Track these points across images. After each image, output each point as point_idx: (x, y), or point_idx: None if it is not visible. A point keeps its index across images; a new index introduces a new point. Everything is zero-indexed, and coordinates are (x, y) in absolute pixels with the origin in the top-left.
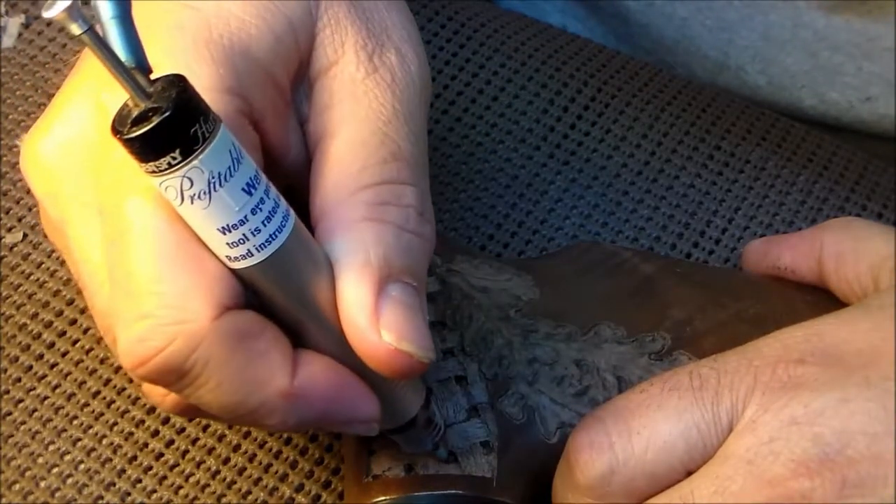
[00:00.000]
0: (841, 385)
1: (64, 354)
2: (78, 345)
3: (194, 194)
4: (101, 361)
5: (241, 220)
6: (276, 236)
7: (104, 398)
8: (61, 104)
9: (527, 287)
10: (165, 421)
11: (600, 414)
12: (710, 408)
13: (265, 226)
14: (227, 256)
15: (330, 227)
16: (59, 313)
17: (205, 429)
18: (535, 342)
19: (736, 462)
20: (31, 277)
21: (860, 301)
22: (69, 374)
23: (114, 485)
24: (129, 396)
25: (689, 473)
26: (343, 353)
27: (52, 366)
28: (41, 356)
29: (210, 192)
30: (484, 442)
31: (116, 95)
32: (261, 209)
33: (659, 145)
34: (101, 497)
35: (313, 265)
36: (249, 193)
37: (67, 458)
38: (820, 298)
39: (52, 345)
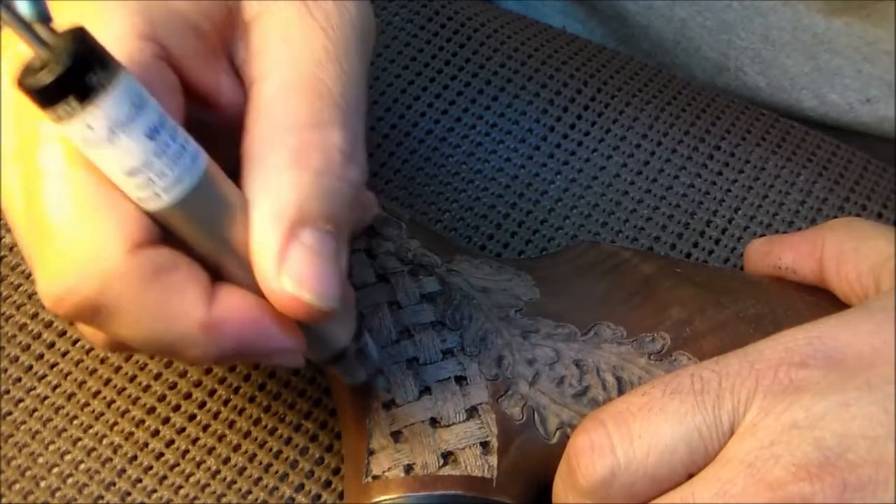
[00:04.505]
0: (842, 388)
1: (64, 354)
2: (78, 345)
3: (96, 140)
4: (102, 361)
5: (146, 164)
6: (184, 178)
7: (104, 398)
8: None
9: (527, 287)
10: (166, 421)
11: (601, 416)
12: (711, 411)
13: (171, 169)
14: (138, 199)
15: (252, 171)
16: None
17: (205, 429)
18: (535, 342)
19: (737, 465)
20: (31, 277)
21: (861, 302)
22: (69, 374)
23: (114, 484)
24: (129, 396)
25: (691, 476)
26: (260, 290)
27: (52, 366)
28: (41, 356)
29: (111, 137)
30: (484, 442)
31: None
32: (165, 153)
33: (659, 145)
34: (102, 497)
35: (228, 209)
36: (152, 138)
37: (68, 457)
38: (821, 299)
39: (52, 345)
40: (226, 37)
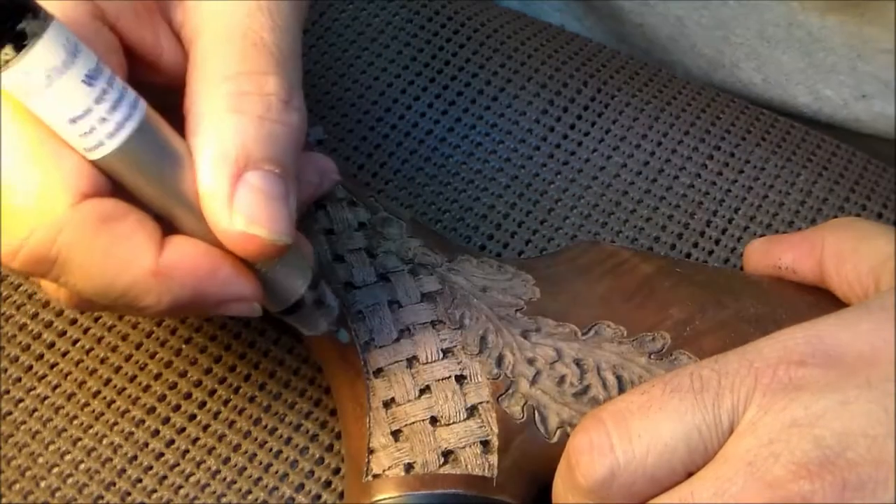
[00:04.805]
0: (842, 387)
1: (64, 354)
2: (78, 345)
3: (34, 88)
4: (102, 361)
5: (87, 111)
6: (125, 124)
7: (104, 398)
8: None
9: (527, 287)
10: (166, 421)
11: (601, 415)
12: (710, 410)
13: (111, 114)
14: (83, 148)
15: (194, 120)
16: (59, 313)
17: (205, 428)
18: (536, 341)
19: (736, 464)
20: (31, 277)
21: (861, 301)
22: (69, 374)
23: (114, 484)
24: (129, 396)
25: (690, 475)
26: (213, 238)
27: (52, 366)
28: (41, 356)
29: (49, 84)
30: (484, 441)
31: None
32: (104, 99)
33: (659, 145)
34: (102, 497)
35: (171, 155)
36: (90, 84)
37: (68, 457)
38: (821, 298)
39: (52, 345)
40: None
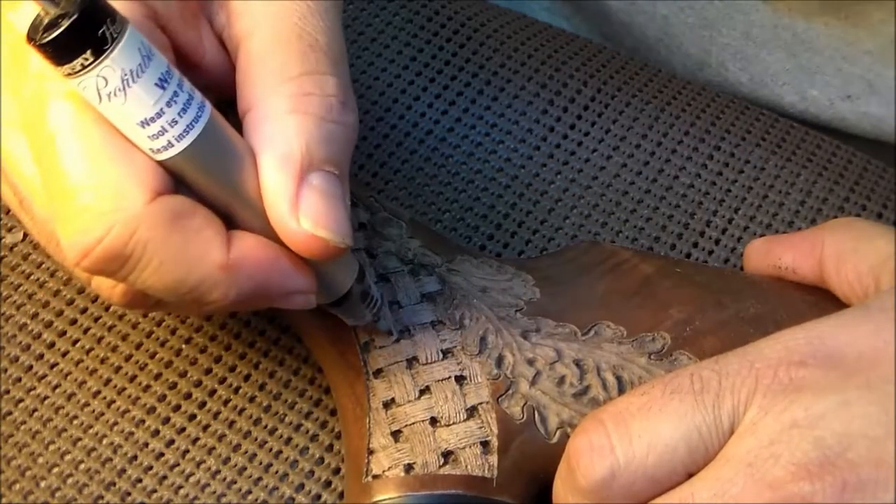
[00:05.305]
0: (842, 388)
1: (64, 354)
2: (78, 345)
3: (111, 91)
4: (102, 361)
5: (158, 113)
6: (194, 126)
7: (104, 398)
8: None
9: (527, 287)
10: (166, 421)
11: (601, 416)
12: (711, 410)
13: (181, 117)
14: (150, 149)
15: (255, 121)
16: (59, 313)
17: (205, 428)
18: (536, 342)
19: (736, 465)
20: (31, 277)
21: (861, 302)
22: (69, 374)
23: (114, 484)
24: (129, 396)
25: (691, 475)
26: (273, 234)
27: (52, 366)
28: (41, 356)
29: (125, 88)
30: (484, 441)
31: (20, 13)
32: (175, 101)
33: (659, 145)
34: (102, 497)
35: (235, 154)
36: (162, 87)
37: (68, 457)
38: (821, 298)
39: (52, 345)
40: (204, 2)
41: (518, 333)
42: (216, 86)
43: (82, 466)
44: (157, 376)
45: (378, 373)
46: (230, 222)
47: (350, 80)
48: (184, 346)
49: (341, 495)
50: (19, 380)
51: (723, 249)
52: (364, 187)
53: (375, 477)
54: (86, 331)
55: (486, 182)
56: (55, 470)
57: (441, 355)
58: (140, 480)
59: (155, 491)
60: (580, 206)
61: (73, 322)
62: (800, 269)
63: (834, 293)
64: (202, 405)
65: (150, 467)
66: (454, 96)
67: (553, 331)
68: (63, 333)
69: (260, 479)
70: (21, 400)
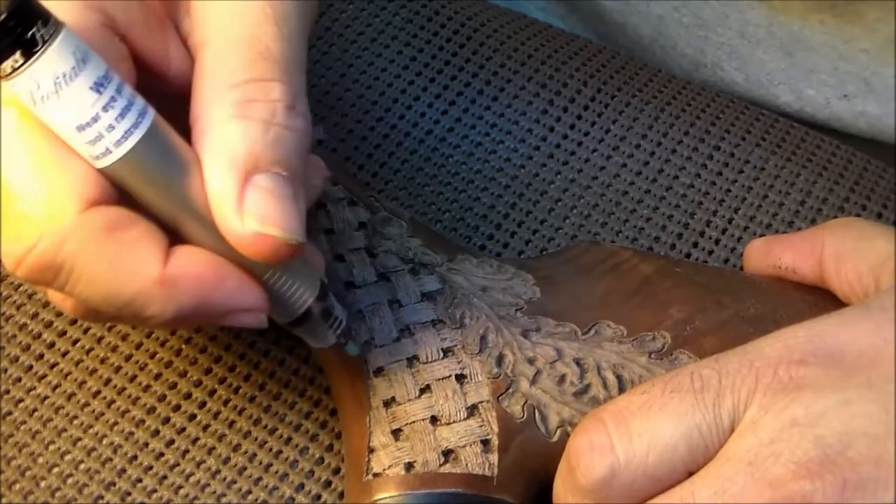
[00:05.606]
0: (842, 387)
1: (64, 354)
2: (78, 345)
3: (44, 95)
4: (102, 361)
5: (94, 118)
6: (133, 132)
7: (104, 398)
8: None
9: (527, 286)
10: (166, 421)
11: (601, 415)
12: (711, 409)
13: (118, 122)
14: (90, 156)
15: (201, 130)
16: (59, 313)
17: (205, 428)
18: (536, 341)
19: (737, 463)
20: None
21: (861, 301)
22: (69, 374)
23: (114, 484)
24: (129, 396)
25: (691, 474)
26: (221, 246)
27: (52, 366)
28: (41, 356)
29: (58, 91)
30: (484, 440)
31: None
32: (112, 106)
33: (658, 145)
34: (102, 497)
35: (179, 163)
36: (98, 92)
37: (68, 457)
38: (821, 298)
39: (52, 345)
40: (171, 8)
41: (518, 332)
42: (185, 95)
43: (82, 466)
44: (157, 376)
45: (378, 371)
46: (178, 237)
47: (303, 87)
48: (184, 346)
49: (341, 495)
50: (19, 380)
51: (723, 249)
52: (364, 187)
53: (376, 475)
54: (86, 331)
55: (486, 182)
56: (55, 470)
57: (441, 354)
58: (140, 480)
59: (155, 491)
60: (580, 206)
61: (73, 322)
62: (800, 269)
63: (834, 293)
64: (202, 405)
65: (151, 467)
66: (454, 96)
67: (553, 330)
68: (63, 333)
69: (260, 478)
70: (21, 400)
